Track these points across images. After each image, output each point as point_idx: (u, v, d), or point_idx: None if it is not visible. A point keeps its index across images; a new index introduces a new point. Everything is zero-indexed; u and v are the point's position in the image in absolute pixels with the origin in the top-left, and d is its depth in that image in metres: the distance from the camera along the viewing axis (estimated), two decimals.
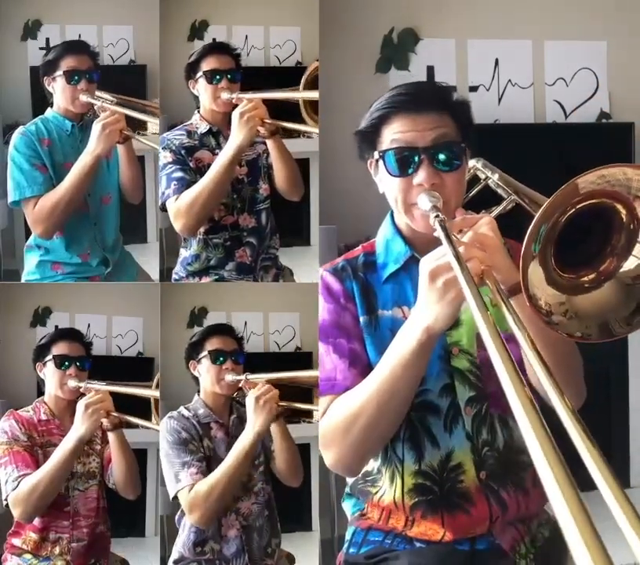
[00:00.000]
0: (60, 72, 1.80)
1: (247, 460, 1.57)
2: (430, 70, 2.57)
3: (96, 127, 1.76)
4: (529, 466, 1.24)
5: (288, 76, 1.86)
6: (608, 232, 0.99)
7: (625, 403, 2.65)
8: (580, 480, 0.57)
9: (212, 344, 1.69)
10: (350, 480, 1.40)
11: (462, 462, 1.25)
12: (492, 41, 2.56)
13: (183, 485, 1.55)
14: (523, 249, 0.91)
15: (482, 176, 1.41)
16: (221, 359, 1.67)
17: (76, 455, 1.68)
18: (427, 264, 1.02)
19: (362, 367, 1.25)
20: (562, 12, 2.53)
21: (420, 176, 1.19)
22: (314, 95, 1.71)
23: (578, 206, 0.92)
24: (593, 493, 0.60)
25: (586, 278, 1.00)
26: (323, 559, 1.85)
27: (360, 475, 1.35)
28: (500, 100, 2.59)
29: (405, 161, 1.20)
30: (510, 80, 2.59)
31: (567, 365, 1.15)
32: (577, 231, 0.95)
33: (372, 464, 1.32)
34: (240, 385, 1.66)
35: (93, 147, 1.76)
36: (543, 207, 0.89)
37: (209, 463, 1.60)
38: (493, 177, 1.37)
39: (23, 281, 1.93)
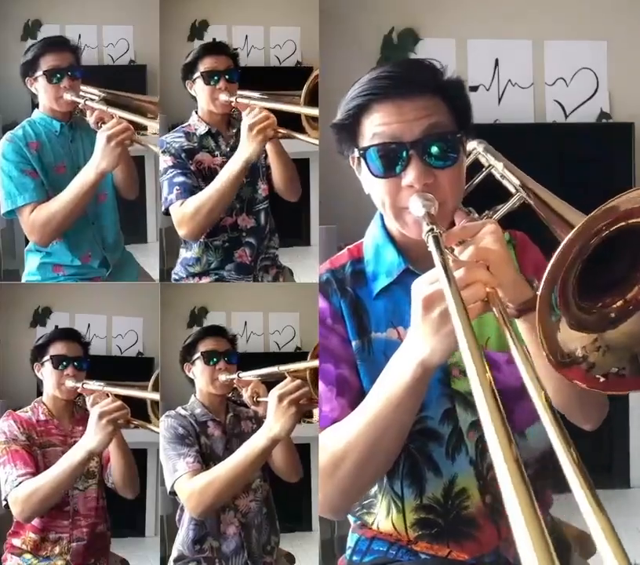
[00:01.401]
0: (40, 72, 1.72)
1: (256, 455, 1.45)
2: None
3: (101, 138, 1.63)
4: (530, 479, 1.21)
5: (288, 76, 1.86)
6: (637, 255, 0.88)
7: (625, 404, 2.64)
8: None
9: (205, 345, 1.69)
10: None
11: (466, 488, 1.16)
12: (492, 41, 2.56)
13: (181, 474, 1.51)
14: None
15: (484, 162, 1.22)
16: (214, 359, 1.67)
17: (84, 467, 1.63)
18: (420, 288, 0.87)
19: (352, 396, 1.10)
20: (562, 12, 2.54)
21: (410, 175, 1.02)
22: (314, 112, 1.64)
23: (616, 226, 0.81)
24: (597, 493, 0.61)
25: (613, 307, 0.89)
26: (323, 559, 1.85)
27: None
28: (500, 100, 2.59)
29: (390, 158, 1.03)
30: (510, 80, 2.59)
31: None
32: (603, 251, 0.84)
33: None
34: (234, 385, 1.66)
35: (97, 161, 1.64)
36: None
37: (205, 460, 1.59)
38: (497, 166, 1.17)
39: (23, 281, 1.93)
